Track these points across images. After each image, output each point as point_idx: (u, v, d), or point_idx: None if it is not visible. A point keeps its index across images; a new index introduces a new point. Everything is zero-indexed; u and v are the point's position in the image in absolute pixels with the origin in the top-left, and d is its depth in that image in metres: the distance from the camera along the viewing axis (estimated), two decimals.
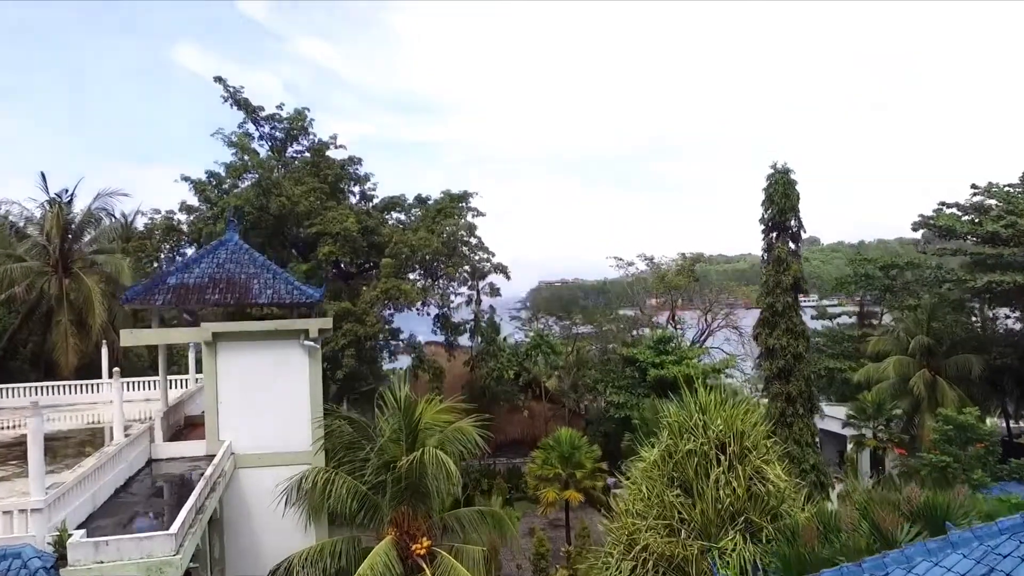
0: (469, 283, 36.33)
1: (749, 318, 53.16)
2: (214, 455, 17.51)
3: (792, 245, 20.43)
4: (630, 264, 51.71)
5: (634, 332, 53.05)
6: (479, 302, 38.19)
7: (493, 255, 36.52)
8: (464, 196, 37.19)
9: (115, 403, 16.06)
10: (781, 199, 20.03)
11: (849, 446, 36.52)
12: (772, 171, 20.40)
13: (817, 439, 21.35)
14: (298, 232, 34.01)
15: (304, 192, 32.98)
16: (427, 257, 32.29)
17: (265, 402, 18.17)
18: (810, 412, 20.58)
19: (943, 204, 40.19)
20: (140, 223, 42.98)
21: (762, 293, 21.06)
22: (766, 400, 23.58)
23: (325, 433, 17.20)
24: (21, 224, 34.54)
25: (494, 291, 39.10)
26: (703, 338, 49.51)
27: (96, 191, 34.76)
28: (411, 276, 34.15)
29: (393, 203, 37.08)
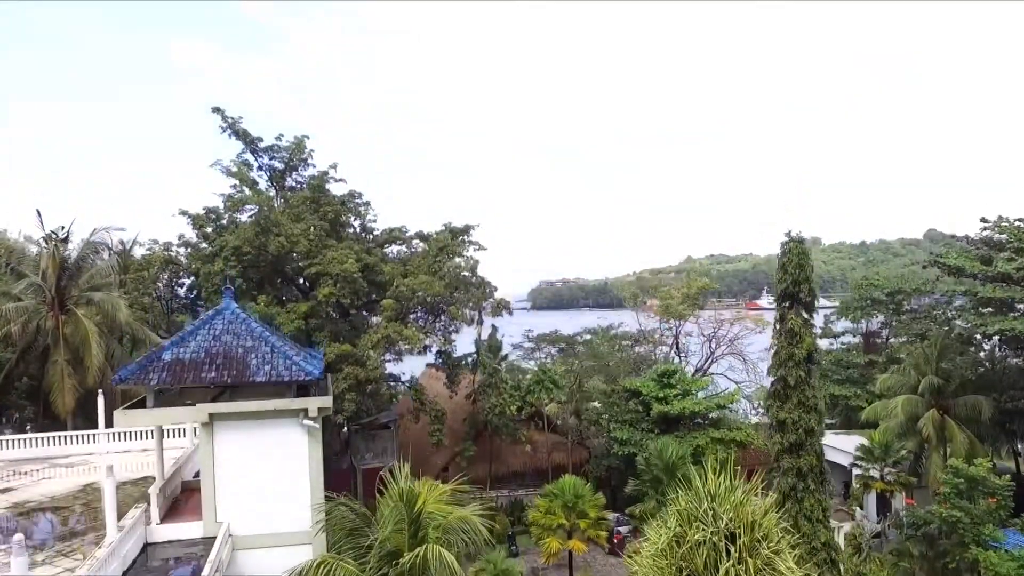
0: (471, 318, 35.83)
1: (754, 344, 52.76)
2: (212, 537, 17.04)
3: (805, 314, 19.93)
4: (635, 296, 50.99)
5: (637, 347, 52.68)
6: (480, 336, 37.65)
7: (495, 290, 36.01)
8: (465, 230, 36.68)
9: (107, 494, 15.55)
10: (795, 270, 19.53)
11: (855, 483, 36.08)
12: (787, 241, 19.93)
13: (828, 513, 20.89)
14: (298, 268, 33.49)
15: (303, 230, 32.45)
16: (428, 299, 31.79)
17: (264, 482, 17.69)
18: (821, 487, 20.13)
19: (953, 237, 39.67)
20: (138, 253, 42.60)
21: (774, 364, 20.60)
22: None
23: (326, 518, 16.71)
24: (16, 264, 33.96)
25: (501, 306, 38.39)
26: (707, 364, 49.01)
27: (93, 225, 34.01)
28: (412, 316, 33.63)
29: (393, 236, 36.55)
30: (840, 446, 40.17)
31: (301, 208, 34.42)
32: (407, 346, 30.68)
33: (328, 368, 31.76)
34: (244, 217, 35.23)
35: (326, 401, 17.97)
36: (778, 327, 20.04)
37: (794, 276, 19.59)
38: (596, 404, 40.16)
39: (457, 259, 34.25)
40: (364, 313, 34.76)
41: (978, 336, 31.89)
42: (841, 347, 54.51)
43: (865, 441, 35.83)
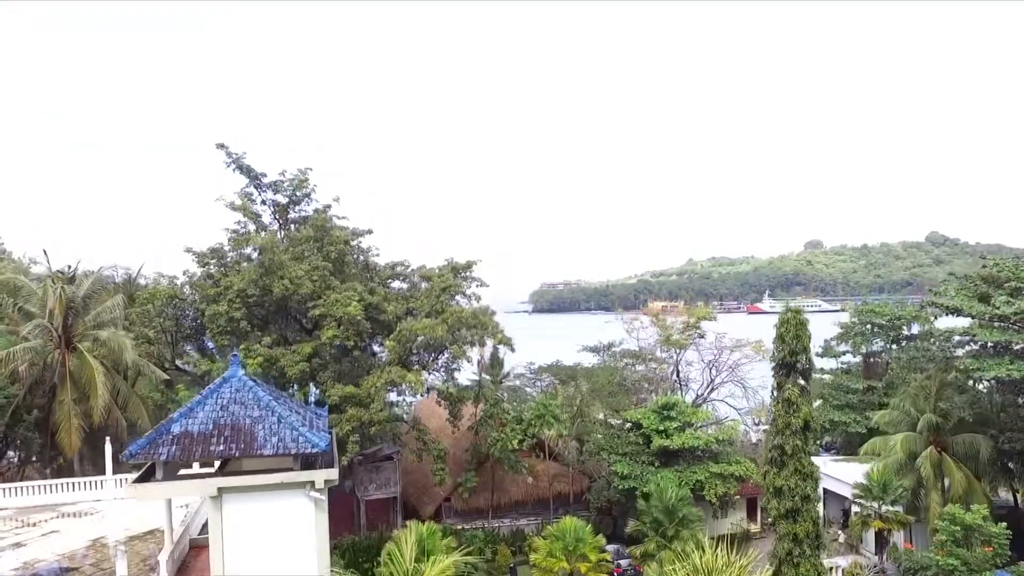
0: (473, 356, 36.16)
1: (755, 371, 53.04)
2: None
3: (803, 381, 20.23)
4: (634, 320, 51.22)
5: (638, 366, 52.90)
6: (482, 371, 37.95)
7: (499, 328, 36.30)
8: (467, 266, 36.99)
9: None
10: (792, 340, 19.84)
11: (854, 518, 36.34)
12: (785, 311, 20.24)
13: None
14: (302, 308, 33.83)
15: (307, 271, 32.76)
16: (431, 341, 32.12)
17: (271, 552, 17.99)
18: (816, 552, 20.44)
19: (951, 275, 39.94)
20: (145, 273, 43.07)
21: (772, 432, 20.91)
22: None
23: None
24: (23, 302, 34.31)
25: (504, 342, 38.87)
26: (708, 391, 49.30)
27: (99, 246, 34.30)
28: (415, 355, 33.95)
29: (396, 273, 36.87)
30: (839, 475, 40.51)
31: (304, 247, 34.75)
32: (411, 391, 30.99)
33: (332, 409, 32.14)
34: (249, 249, 35.62)
35: (332, 474, 18.29)
36: (775, 394, 20.33)
37: (791, 347, 19.91)
38: (599, 436, 40.42)
39: (459, 298, 34.56)
40: (368, 350, 35.07)
41: (975, 379, 32.14)
42: (841, 366, 54.80)
43: (865, 468, 36.18)
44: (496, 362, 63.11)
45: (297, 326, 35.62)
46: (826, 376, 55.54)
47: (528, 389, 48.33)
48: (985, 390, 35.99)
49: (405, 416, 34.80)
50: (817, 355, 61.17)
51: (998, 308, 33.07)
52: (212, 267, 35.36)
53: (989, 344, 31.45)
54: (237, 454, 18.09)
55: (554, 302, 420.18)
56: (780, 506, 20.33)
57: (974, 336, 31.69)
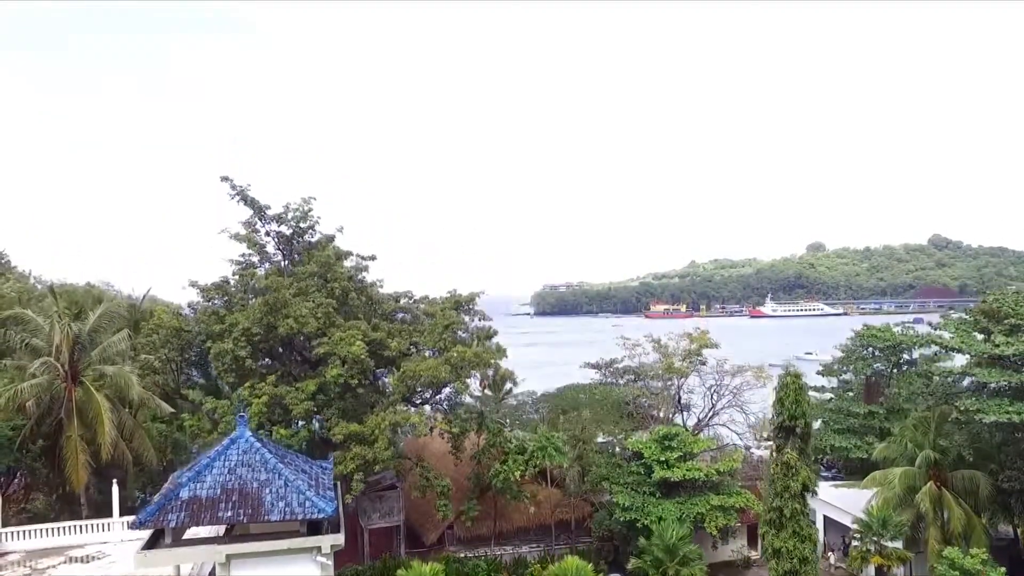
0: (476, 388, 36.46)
1: (757, 395, 53.25)
2: None
3: (801, 443, 20.47)
4: (636, 345, 51.45)
5: (639, 382, 53.15)
6: (485, 404, 38.23)
7: (503, 362, 36.60)
8: (471, 298, 37.29)
9: None
10: (792, 404, 20.09)
11: (852, 552, 36.55)
12: (784, 375, 20.47)
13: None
14: (307, 344, 34.14)
15: (311, 309, 33.06)
16: (435, 380, 32.43)
17: None
18: None
19: (950, 309, 40.05)
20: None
21: (770, 495, 21.15)
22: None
23: None
24: (30, 337, 34.62)
25: (507, 377, 39.21)
26: (709, 416, 49.55)
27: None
28: (418, 390, 34.26)
29: (400, 307, 37.15)
30: (840, 504, 40.71)
31: (308, 282, 35.04)
32: (414, 433, 31.29)
33: (336, 446, 32.45)
34: (253, 282, 35.93)
35: (338, 539, 18.59)
36: (774, 456, 20.58)
37: (791, 411, 20.15)
38: (601, 467, 40.67)
39: (461, 333, 34.88)
40: (372, 385, 35.34)
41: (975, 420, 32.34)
42: (842, 385, 55.01)
43: (866, 496, 36.42)
44: (498, 382, 63.36)
45: (301, 359, 35.91)
46: (827, 395, 55.86)
47: (532, 414, 48.53)
48: (986, 427, 36.19)
49: (409, 455, 34.99)
50: (818, 373, 61.65)
51: (998, 347, 33.29)
52: (217, 301, 35.66)
53: (990, 384, 31.63)
54: (245, 520, 18.40)
55: (556, 304, 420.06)
56: (779, 567, 20.59)
57: (974, 376, 31.87)
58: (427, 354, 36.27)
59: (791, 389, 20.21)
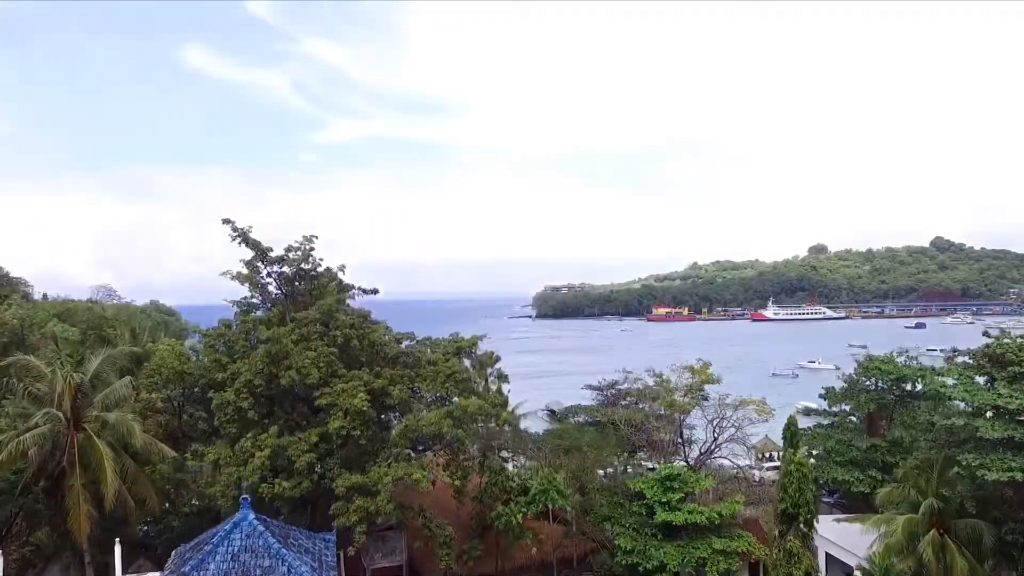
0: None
1: (759, 430, 53.27)
2: None
3: (805, 529, 20.44)
4: (637, 379, 51.46)
5: (641, 405, 53.15)
6: (485, 447, 38.22)
7: (504, 408, 36.58)
8: (473, 342, 37.32)
9: None
10: (795, 492, 20.09)
11: None
12: (789, 462, 20.42)
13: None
14: (309, 394, 34.15)
15: (313, 359, 33.06)
16: (436, 434, 32.46)
17: None
18: None
19: (955, 351, 39.97)
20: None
21: None
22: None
23: None
24: (31, 384, 34.65)
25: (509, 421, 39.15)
26: (711, 449, 49.51)
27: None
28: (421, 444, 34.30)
29: (401, 353, 37.12)
30: (842, 543, 40.63)
31: (310, 328, 35.03)
32: (417, 488, 31.29)
33: (338, 498, 32.42)
34: (258, 328, 35.95)
35: None
36: (777, 539, 20.55)
37: (794, 499, 20.15)
38: (603, 508, 40.74)
39: (463, 379, 34.90)
40: (375, 432, 35.32)
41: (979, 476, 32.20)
42: (844, 409, 54.95)
43: (869, 538, 36.39)
44: (500, 399, 63.11)
45: (303, 406, 35.91)
46: (827, 420, 55.81)
47: (534, 452, 48.46)
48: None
49: (411, 504, 34.95)
50: (820, 395, 61.58)
51: (1001, 396, 33.16)
52: (219, 348, 35.71)
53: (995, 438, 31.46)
54: None
55: (558, 307, 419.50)
56: None
57: (977, 429, 31.76)
58: (429, 398, 36.34)
59: (795, 477, 20.18)
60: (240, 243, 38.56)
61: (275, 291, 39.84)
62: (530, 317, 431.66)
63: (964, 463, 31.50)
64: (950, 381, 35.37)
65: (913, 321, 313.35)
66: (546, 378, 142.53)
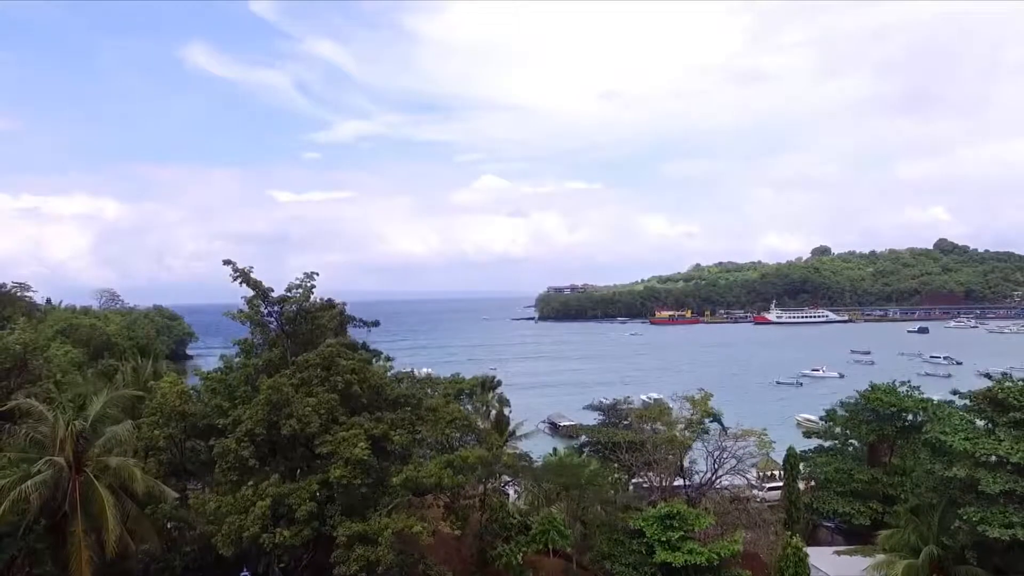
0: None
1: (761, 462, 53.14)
2: None
3: None
4: (639, 414, 51.45)
5: (645, 425, 53.13)
6: (487, 491, 38.31)
7: (506, 434, 36.57)
8: (474, 384, 37.36)
9: None
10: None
11: None
12: (786, 547, 20.46)
13: None
14: (310, 442, 34.24)
15: (314, 406, 33.13)
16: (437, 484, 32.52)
17: None
18: None
19: (955, 392, 39.90)
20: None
21: None
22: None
23: None
24: (32, 428, 34.75)
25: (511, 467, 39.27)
26: (712, 481, 49.46)
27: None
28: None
29: (401, 396, 37.16)
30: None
31: (311, 373, 35.10)
32: (418, 540, 31.35)
33: (338, 546, 32.47)
34: (260, 379, 36.06)
35: None
36: None
37: None
38: (603, 547, 40.80)
39: (464, 424, 34.96)
40: (376, 479, 35.39)
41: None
42: (844, 434, 54.96)
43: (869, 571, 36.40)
44: (503, 424, 63.28)
45: (304, 449, 35.99)
46: (828, 443, 55.82)
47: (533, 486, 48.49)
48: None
49: (412, 551, 35.00)
50: (821, 418, 61.51)
51: (1002, 442, 33.08)
52: (219, 390, 35.84)
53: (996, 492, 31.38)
54: None
55: (560, 309, 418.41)
56: None
57: (978, 482, 31.71)
58: (430, 441, 36.42)
59: (791, 560, 20.21)
60: (240, 283, 38.71)
61: (275, 328, 39.99)
62: (533, 319, 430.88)
63: (965, 516, 31.44)
64: (948, 429, 35.27)
65: (916, 325, 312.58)
66: (549, 391, 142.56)
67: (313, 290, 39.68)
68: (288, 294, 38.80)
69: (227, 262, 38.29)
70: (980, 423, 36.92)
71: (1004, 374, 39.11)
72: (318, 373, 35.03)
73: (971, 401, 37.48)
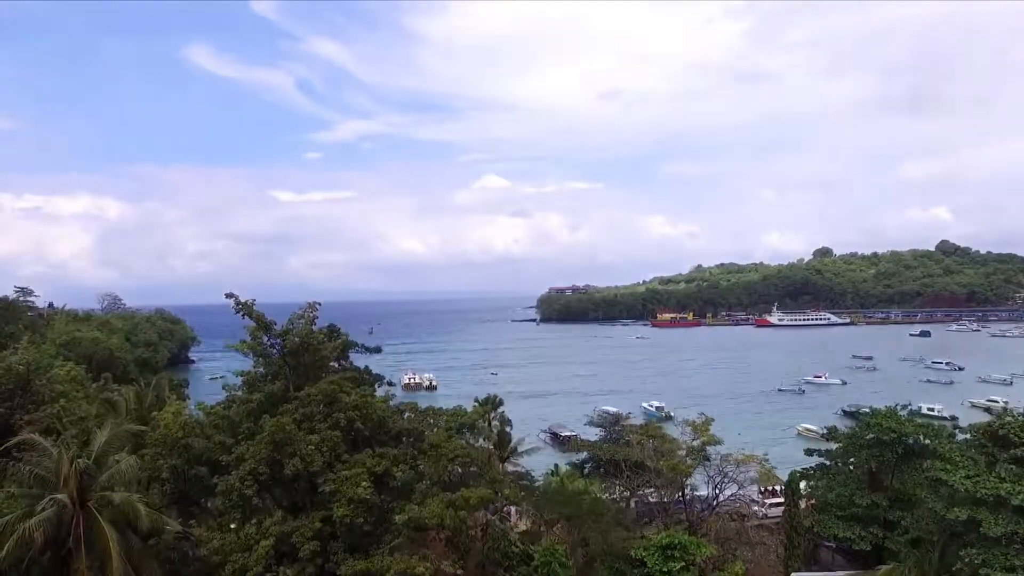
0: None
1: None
2: None
3: None
4: (639, 440, 51.53)
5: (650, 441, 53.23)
6: (488, 521, 38.41)
7: (507, 480, 36.73)
8: (474, 419, 37.51)
9: None
10: None
11: None
12: None
13: None
14: (312, 480, 34.39)
15: (317, 444, 33.28)
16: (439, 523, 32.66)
17: None
18: None
19: (958, 428, 39.88)
20: None
21: None
22: None
23: None
24: (36, 465, 34.87)
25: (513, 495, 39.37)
26: (712, 507, 49.56)
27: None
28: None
29: (403, 430, 37.31)
30: None
31: (312, 408, 35.25)
32: None
33: None
34: (263, 418, 36.25)
35: None
36: None
37: None
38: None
39: (466, 460, 35.09)
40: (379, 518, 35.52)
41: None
42: (842, 455, 54.94)
43: None
44: (504, 442, 63.23)
45: (306, 484, 36.16)
46: (829, 461, 55.81)
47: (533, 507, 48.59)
48: None
49: None
50: (822, 434, 61.53)
51: (1004, 482, 33.06)
52: (222, 426, 36.00)
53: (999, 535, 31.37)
54: None
55: (562, 310, 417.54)
56: None
57: (979, 523, 31.74)
58: (433, 479, 36.54)
59: None
60: (243, 316, 38.90)
61: (276, 355, 40.22)
62: (534, 321, 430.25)
63: (967, 559, 31.50)
64: (949, 467, 35.30)
65: (918, 328, 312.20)
66: (551, 396, 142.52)
67: (315, 321, 39.91)
68: (291, 326, 38.99)
69: (229, 295, 38.49)
70: (981, 459, 36.93)
71: (1005, 380, 38.92)
72: (320, 409, 35.20)
73: (972, 436, 37.50)
